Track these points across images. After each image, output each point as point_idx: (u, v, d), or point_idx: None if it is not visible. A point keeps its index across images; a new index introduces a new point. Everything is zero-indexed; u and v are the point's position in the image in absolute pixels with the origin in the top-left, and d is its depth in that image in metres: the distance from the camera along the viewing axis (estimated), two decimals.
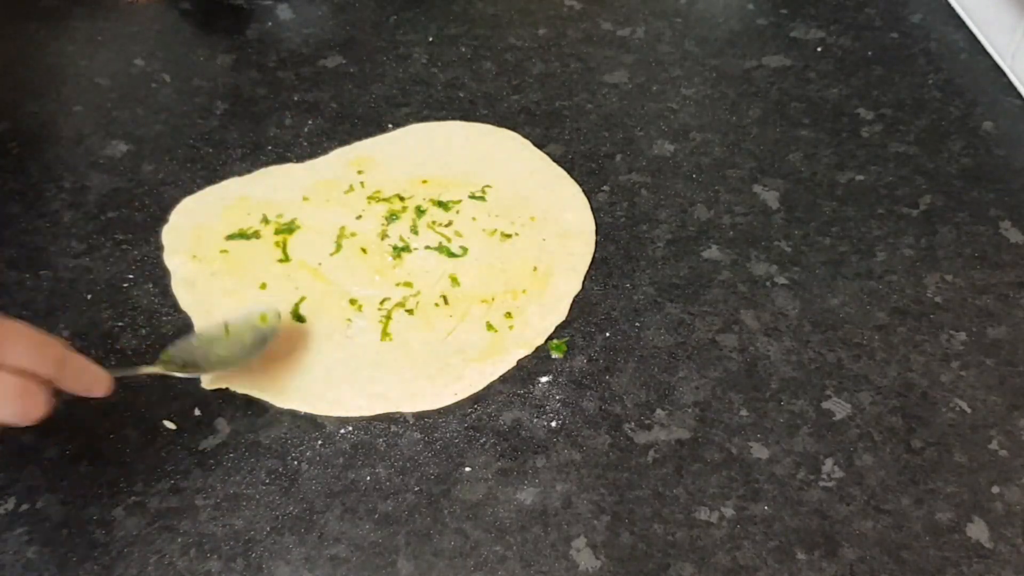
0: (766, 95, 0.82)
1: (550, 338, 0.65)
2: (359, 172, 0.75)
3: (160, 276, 0.68)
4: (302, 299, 0.67)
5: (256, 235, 0.71)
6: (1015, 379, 0.62)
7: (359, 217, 0.72)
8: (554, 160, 0.77)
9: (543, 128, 0.79)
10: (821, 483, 0.57)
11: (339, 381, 0.62)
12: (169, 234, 0.71)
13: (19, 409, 0.49)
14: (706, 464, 0.58)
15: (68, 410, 0.60)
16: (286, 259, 0.69)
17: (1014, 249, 0.70)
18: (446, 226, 0.71)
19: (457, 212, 0.72)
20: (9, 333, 0.49)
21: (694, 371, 0.63)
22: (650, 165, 0.76)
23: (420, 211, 0.72)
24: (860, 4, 0.92)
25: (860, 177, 0.75)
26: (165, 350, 0.60)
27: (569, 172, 0.75)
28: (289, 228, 0.71)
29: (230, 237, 0.71)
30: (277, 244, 0.70)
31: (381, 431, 0.60)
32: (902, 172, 0.76)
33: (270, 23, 0.89)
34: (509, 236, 0.71)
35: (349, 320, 0.65)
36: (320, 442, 0.59)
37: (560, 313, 0.66)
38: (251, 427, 0.60)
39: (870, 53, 0.87)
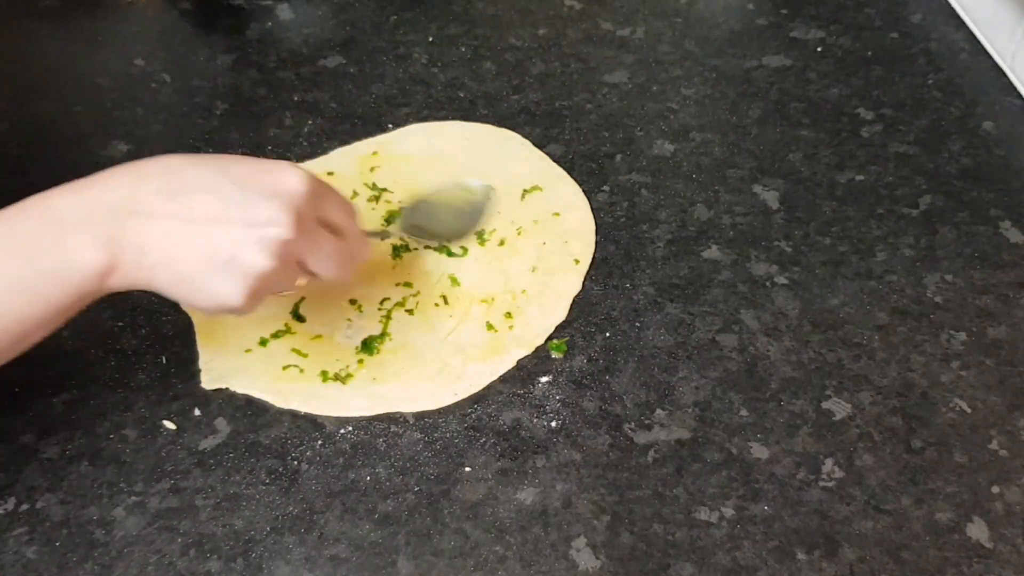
0: (766, 95, 0.82)
1: (550, 338, 0.65)
2: (359, 172, 0.75)
3: None
4: (302, 299, 0.66)
5: None
6: (1015, 379, 0.62)
7: None
8: (554, 160, 0.76)
9: (543, 128, 0.79)
10: (821, 483, 0.57)
11: (339, 381, 0.62)
12: None
13: (338, 267, 0.53)
14: (706, 464, 0.58)
15: (68, 410, 0.60)
16: None
17: (1014, 249, 0.70)
18: None
19: None
20: (328, 191, 0.52)
21: (694, 371, 0.63)
22: (650, 165, 0.76)
23: None
24: (860, 4, 0.92)
25: (860, 177, 0.75)
26: (400, 214, 0.69)
27: (569, 172, 0.75)
28: None
29: None
30: None
31: (381, 431, 0.60)
32: (902, 172, 0.76)
33: (270, 23, 0.89)
34: (509, 236, 0.71)
35: (349, 320, 0.65)
36: (320, 442, 0.59)
37: (560, 313, 0.66)
38: (251, 427, 0.60)
39: (870, 53, 0.86)
